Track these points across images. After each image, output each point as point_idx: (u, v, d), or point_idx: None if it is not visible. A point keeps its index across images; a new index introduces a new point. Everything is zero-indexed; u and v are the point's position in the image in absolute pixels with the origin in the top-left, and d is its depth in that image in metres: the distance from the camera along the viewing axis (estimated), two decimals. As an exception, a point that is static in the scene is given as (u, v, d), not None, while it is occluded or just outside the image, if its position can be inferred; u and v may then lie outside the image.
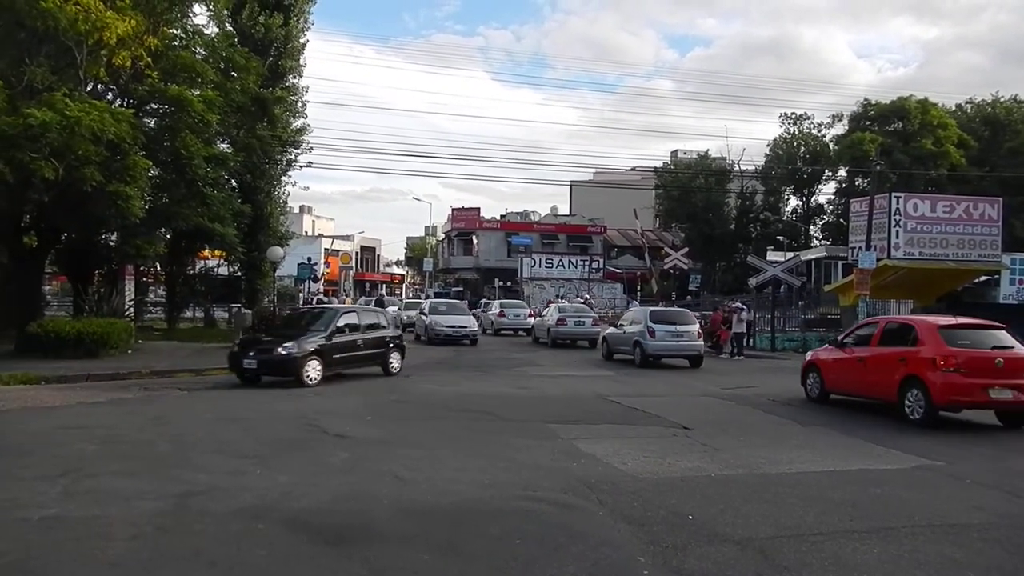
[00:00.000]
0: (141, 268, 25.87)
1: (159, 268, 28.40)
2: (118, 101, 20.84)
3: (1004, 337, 12.35)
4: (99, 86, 20.09)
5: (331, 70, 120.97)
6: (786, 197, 58.73)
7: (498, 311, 34.65)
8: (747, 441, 10.10)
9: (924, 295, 27.91)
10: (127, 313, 22.00)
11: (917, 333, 12.51)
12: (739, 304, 27.31)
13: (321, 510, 6.42)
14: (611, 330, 24.01)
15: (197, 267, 30.99)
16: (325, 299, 47.10)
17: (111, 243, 23.22)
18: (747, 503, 6.92)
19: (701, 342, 21.70)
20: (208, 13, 23.31)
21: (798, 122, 55.47)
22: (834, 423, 11.79)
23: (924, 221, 26.88)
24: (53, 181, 16.37)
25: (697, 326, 22.05)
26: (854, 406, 13.43)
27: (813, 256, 43.84)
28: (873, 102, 51.28)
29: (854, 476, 8.23)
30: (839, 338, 15.19)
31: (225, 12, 24.38)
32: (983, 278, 28.30)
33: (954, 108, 53.13)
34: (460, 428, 10.65)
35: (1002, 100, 51.97)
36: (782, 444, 10.01)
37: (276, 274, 28.12)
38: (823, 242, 51.17)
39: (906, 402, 12.10)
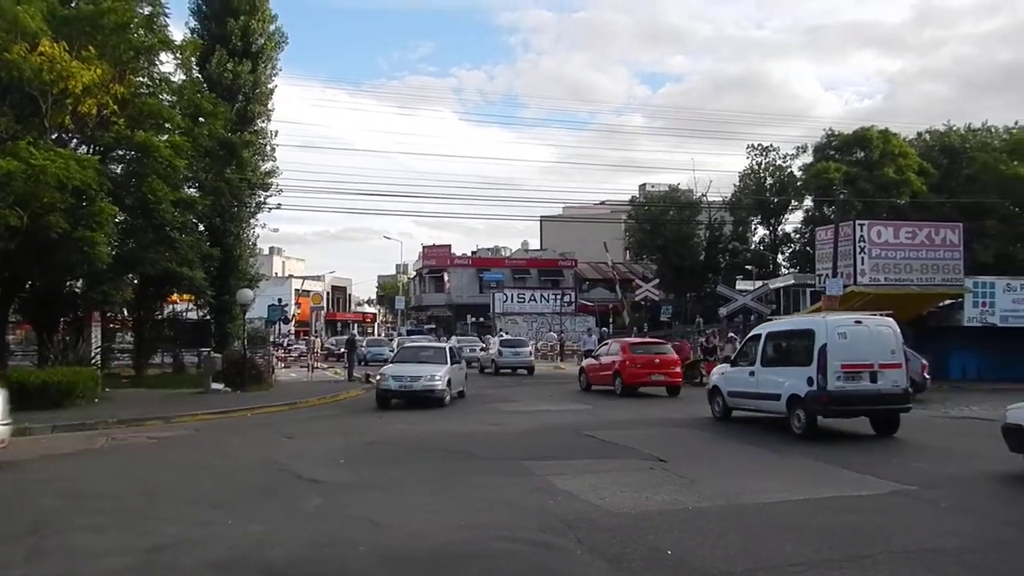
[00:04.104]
0: (108, 314, 25.41)
1: (126, 314, 27.95)
2: (84, 148, 20.71)
3: (663, 348, 23.47)
4: (64, 134, 19.97)
5: (305, 114, 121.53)
6: (754, 227, 59.59)
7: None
8: (723, 471, 10.12)
9: (891, 320, 28.29)
10: (93, 361, 21.56)
11: (619, 348, 22.87)
12: (732, 334, 27.73)
13: (296, 559, 6.31)
14: (481, 353, 35.76)
15: (165, 312, 30.53)
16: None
17: (77, 290, 22.86)
18: (725, 535, 6.92)
19: (532, 359, 33.10)
20: (175, 61, 23.31)
21: (765, 153, 56.47)
22: (809, 451, 11.85)
23: (888, 247, 27.36)
24: (17, 228, 16.18)
25: (530, 348, 34.51)
26: (822, 433, 13.62)
27: (781, 284, 44.36)
28: (836, 132, 52.44)
29: (829, 503, 8.27)
30: (594, 353, 25.11)
31: (192, 60, 24.41)
32: (948, 302, 28.75)
33: (915, 136, 54.53)
34: (435, 468, 10.54)
35: (956, 129, 53.44)
36: (757, 473, 10.05)
37: (246, 316, 27.76)
38: (791, 270, 51.87)
39: (616, 385, 21.69)
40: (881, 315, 14.52)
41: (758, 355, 14.72)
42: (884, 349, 13.19)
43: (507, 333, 47.90)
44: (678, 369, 22.22)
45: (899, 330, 13.76)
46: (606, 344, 25.13)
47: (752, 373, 14.73)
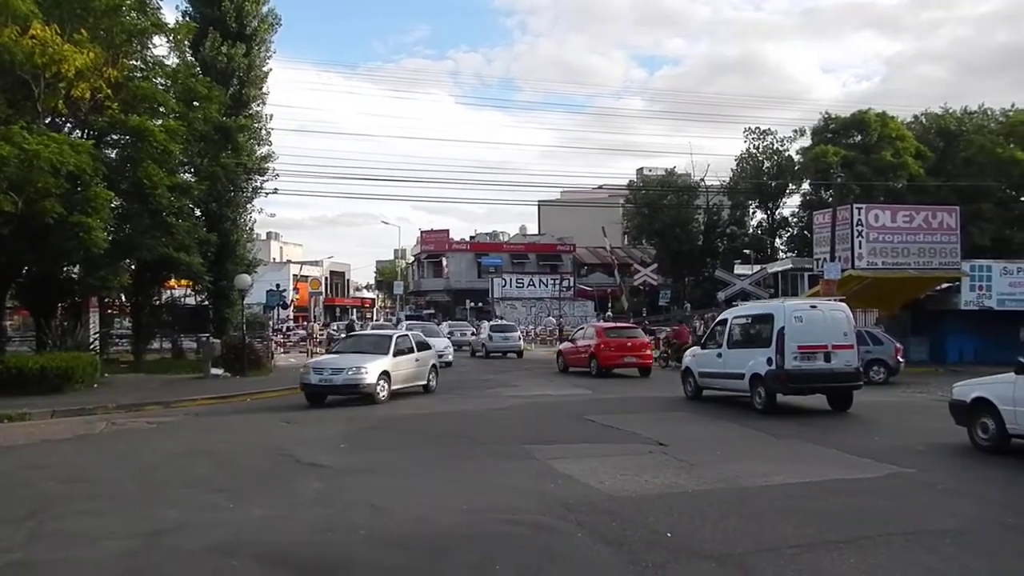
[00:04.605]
0: (106, 300, 25.35)
1: (124, 299, 27.90)
2: (77, 132, 20.58)
3: (636, 332, 25.12)
4: (58, 119, 19.84)
5: (300, 98, 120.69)
6: (752, 211, 59.46)
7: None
8: (723, 455, 10.15)
9: (889, 304, 28.36)
10: (92, 346, 21.56)
11: (594, 332, 24.09)
12: None
13: (297, 544, 6.31)
14: (472, 337, 37.58)
15: (163, 297, 30.46)
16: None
17: (74, 275, 22.79)
18: (725, 518, 6.94)
19: (521, 343, 34.27)
20: (168, 44, 23.13)
21: (762, 137, 56.21)
22: (807, 434, 11.91)
23: (885, 231, 27.35)
24: (12, 214, 16.09)
25: (519, 333, 35.72)
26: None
27: (779, 268, 44.33)
28: (833, 116, 52.20)
29: (829, 486, 8.30)
30: (571, 337, 26.75)
31: (186, 43, 24.20)
32: (945, 285, 28.77)
33: (912, 119, 54.25)
34: (436, 453, 10.56)
35: (952, 111, 53.21)
36: (757, 457, 10.08)
37: (244, 302, 27.73)
38: (788, 254, 51.78)
39: (591, 367, 22.92)
40: (835, 300, 15.68)
41: (725, 338, 15.70)
42: (837, 331, 14.25)
43: (503, 318, 48.20)
44: (649, 352, 23.81)
45: (851, 314, 14.94)
46: (579, 329, 27.47)
47: (720, 355, 15.74)
